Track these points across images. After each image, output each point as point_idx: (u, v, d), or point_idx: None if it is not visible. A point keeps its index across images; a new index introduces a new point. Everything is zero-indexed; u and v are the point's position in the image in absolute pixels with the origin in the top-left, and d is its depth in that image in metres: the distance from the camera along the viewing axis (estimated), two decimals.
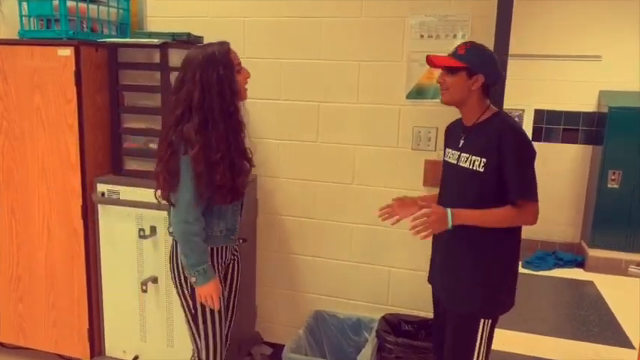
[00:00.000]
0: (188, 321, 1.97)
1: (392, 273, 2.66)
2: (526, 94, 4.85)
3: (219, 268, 1.98)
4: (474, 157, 1.81)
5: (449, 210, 1.76)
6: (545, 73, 4.80)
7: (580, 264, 4.73)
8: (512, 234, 1.84)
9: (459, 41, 2.39)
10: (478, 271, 1.85)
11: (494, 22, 2.34)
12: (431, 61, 1.90)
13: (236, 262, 2.13)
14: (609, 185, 4.50)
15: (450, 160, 1.96)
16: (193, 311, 1.93)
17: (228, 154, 1.80)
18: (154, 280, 2.53)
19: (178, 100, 1.78)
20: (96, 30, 2.58)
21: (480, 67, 1.81)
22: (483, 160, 1.77)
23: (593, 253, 4.62)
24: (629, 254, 4.53)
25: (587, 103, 4.80)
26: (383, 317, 2.54)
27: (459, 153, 1.90)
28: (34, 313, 2.69)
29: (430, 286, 2.13)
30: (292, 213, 2.76)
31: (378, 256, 2.66)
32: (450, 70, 1.84)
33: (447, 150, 2.01)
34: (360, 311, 2.70)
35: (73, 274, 2.58)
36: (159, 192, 1.87)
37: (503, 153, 1.73)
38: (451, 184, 1.96)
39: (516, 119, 4.70)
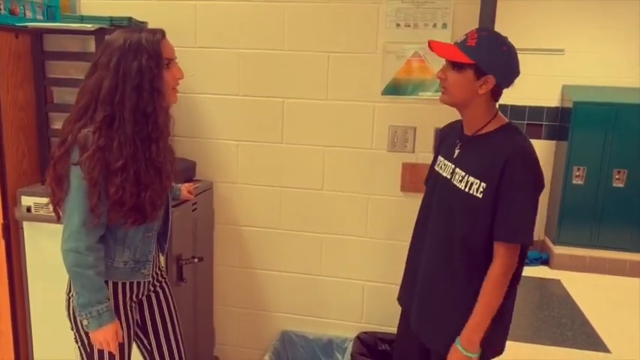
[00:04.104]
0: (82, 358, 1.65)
1: (366, 287, 2.49)
2: None
3: (127, 307, 1.64)
4: (471, 179, 1.51)
5: (459, 345, 1.50)
6: None
7: (545, 261, 4.70)
8: (517, 270, 1.55)
9: (439, 31, 2.20)
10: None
11: (479, 10, 2.14)
12: (433, 47, 1.56)
13: (160, 294, 1.77)
14: (574, 181, 4.46)
15: (441, 172, 1.65)
16: (89, 349, 1.60)
17: (133, 163, 1.48)
18: None
19: (85, 88, 1.48)
20: (16, 13, 2.27)
21: (493, 67, 1.47)
22: (483, 184, 1.47)
23: (559, 250, 4.60)
24: (594, 250, 4.54)
25: (550, 98, 4.77)
26: (357, 337, 2.42)
27: (453, 166, 1.59)
28: None
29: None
30: (254, 223, 2.54)
31: (350, 269, 2.48)
32: (454, 66, 1.50)
33: (439, 157, 1.71)
34: (332, 331, 2.53)
35: None
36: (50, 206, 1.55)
37: (506, 180, 1.44)
38: (440, 204, 1.63)
39: None
